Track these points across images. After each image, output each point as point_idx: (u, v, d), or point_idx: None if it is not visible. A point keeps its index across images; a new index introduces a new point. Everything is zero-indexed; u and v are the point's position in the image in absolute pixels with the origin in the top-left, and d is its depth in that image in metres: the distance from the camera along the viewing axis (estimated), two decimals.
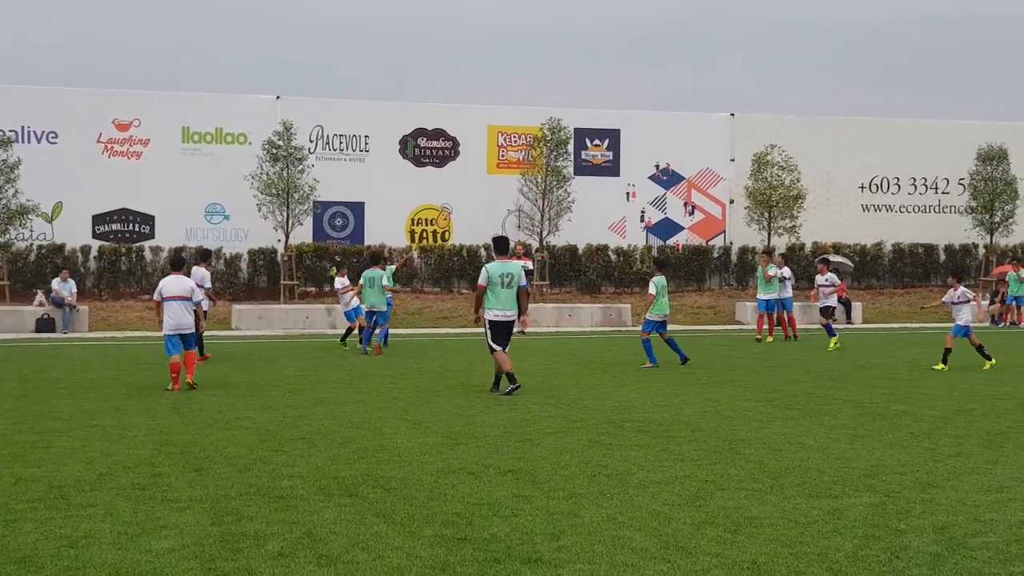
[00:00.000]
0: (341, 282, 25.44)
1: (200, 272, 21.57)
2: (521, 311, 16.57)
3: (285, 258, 34.55)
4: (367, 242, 37.45)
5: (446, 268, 37.57)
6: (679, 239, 40.46)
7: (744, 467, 10.56)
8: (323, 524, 8.28)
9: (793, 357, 22.89)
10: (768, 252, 29.74)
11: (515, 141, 39.19)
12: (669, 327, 21.97)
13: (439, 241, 38.48)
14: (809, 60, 79.26)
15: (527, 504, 8.95)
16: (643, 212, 40.58)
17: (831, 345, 24.73)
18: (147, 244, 35.95)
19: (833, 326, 26.18)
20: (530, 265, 31.36)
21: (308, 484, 9.69)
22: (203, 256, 23.36)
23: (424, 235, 38.65)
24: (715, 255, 40.38)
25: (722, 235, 41.05)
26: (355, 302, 24.43)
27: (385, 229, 37.78)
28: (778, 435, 12.49)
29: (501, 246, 16.92)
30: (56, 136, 35.61)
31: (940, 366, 20.17)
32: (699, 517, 8.55)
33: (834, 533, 8.09)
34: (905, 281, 41.58)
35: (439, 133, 38.86)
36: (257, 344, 26.32)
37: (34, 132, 35.39)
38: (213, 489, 9.44)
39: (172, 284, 17.10)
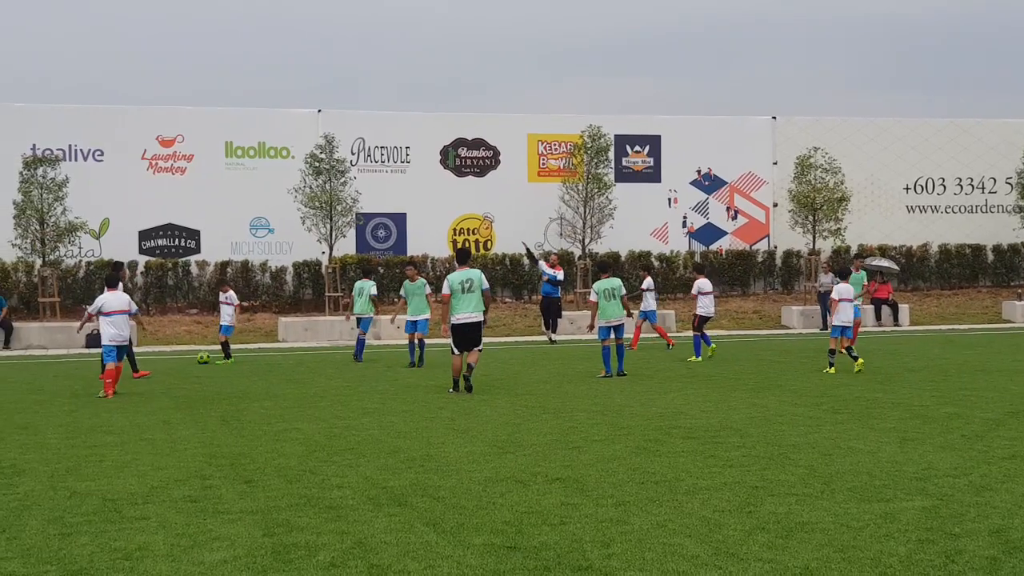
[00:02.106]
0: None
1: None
2: (485, 310, 17.80)
3: (329, 270, 34.71)
4: (410, 253, 37.54)
5: (489, 277, 37.27)
6: (722, 244, 40.26)
7: (794, 472, 10.49)
8: (373, 534, 8.31)
9: (840, 362, 22.67)
10: (862, 256, 28.36)
11: (555, 149, 39.17)
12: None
13: (481, 250, 38.50)
14: (849, 61, 78.76)
15: (576, 512, 8.94)
16: (685, 218, 40.41)
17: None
18: (193, 259, 36.20)
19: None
20: (560, 275, 31.02)
21: (358, 494, 9.72)
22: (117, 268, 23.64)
23: (466, 244, 38.68)
24: (759, 259, 40.11)
25: (766, 239, 40.79)
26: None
27: (428, 239, 37.83)
28: (827, 440, 12.40)
29: (462, 256, 18.46)
30: (102, 154, 35.97)
31: (830, 370, 20.18)
32: (750, 523, 8.51)
33: (887, 537, 8.02)
34: (952, 282, 41.11)
35: (479, 143, 38.92)
36: (303, 356, 26.45)
37: (81, 150, 35.78)
38: (263, 500, 9.50)
39: (112, 300, 18.70)
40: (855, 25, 79.44)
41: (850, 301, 20.89)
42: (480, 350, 17.94)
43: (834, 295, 21.03)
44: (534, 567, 7.40)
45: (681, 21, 78.79)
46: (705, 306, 24.44)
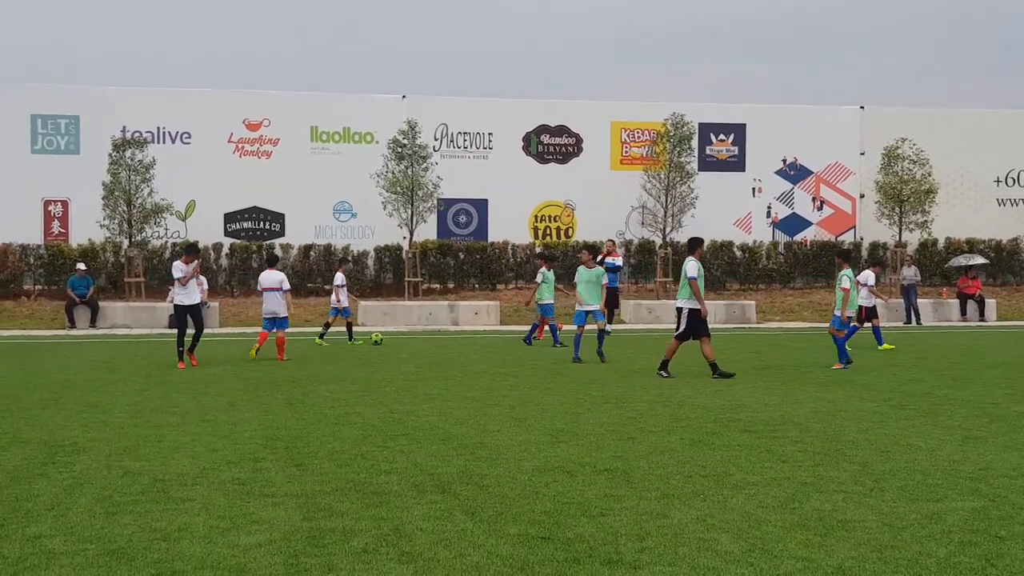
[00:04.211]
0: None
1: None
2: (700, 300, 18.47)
3: (410, 255, 34.95)
4: (491, 239, 37.66)
5: (570, 265, 37.39)
6: (807, 235, 39.73)
7: (847, 469, 10.32)
8: (411, 521, 8.34)
9: (919, 356, 22.29)
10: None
11: (638, 137, 38.96)
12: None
13: (563, 238, 38.47)
14: (939, 50, 77.05)
15: (617, 504, 8.89)
16: (769, 207, 39.96)
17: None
18: (277, 242, 36.72)
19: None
20: (618, 262, 30.44)
21: (403, 480, 9.77)
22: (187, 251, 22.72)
23: (548, 232, 38.68)
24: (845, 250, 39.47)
25: (852, 230, 40.18)
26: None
27: (509, 226, 37.93)
28: (888, 436, 12.17)
29: (689, 245, 19.22)
30: (189, 136, 36.63)
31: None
32: (791, 520, 8.38)
33: (928, 538, 7.85)
34: None
35: (562, 130, 38.86)
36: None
37: (169, 133, 36.47)
38: (310, 484, 9.59)
39: (266, 277, 21.66)
40: (945, 13, 77.68)
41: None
42: (706, 338, 18.47)
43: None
44: (564, 559, 7.36)
45: (769, 8, 77.74)
46: (863, 297, 24.56)
